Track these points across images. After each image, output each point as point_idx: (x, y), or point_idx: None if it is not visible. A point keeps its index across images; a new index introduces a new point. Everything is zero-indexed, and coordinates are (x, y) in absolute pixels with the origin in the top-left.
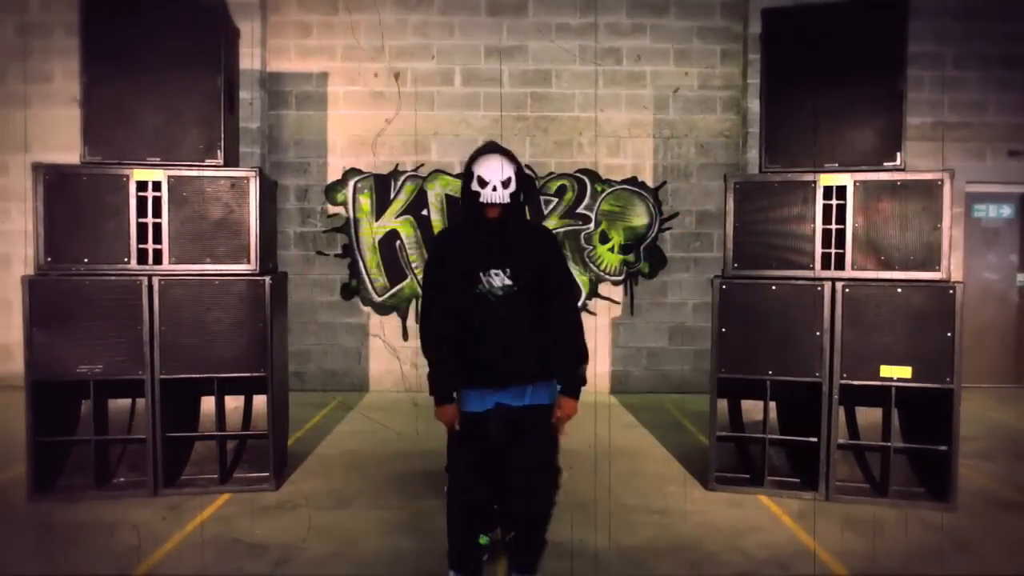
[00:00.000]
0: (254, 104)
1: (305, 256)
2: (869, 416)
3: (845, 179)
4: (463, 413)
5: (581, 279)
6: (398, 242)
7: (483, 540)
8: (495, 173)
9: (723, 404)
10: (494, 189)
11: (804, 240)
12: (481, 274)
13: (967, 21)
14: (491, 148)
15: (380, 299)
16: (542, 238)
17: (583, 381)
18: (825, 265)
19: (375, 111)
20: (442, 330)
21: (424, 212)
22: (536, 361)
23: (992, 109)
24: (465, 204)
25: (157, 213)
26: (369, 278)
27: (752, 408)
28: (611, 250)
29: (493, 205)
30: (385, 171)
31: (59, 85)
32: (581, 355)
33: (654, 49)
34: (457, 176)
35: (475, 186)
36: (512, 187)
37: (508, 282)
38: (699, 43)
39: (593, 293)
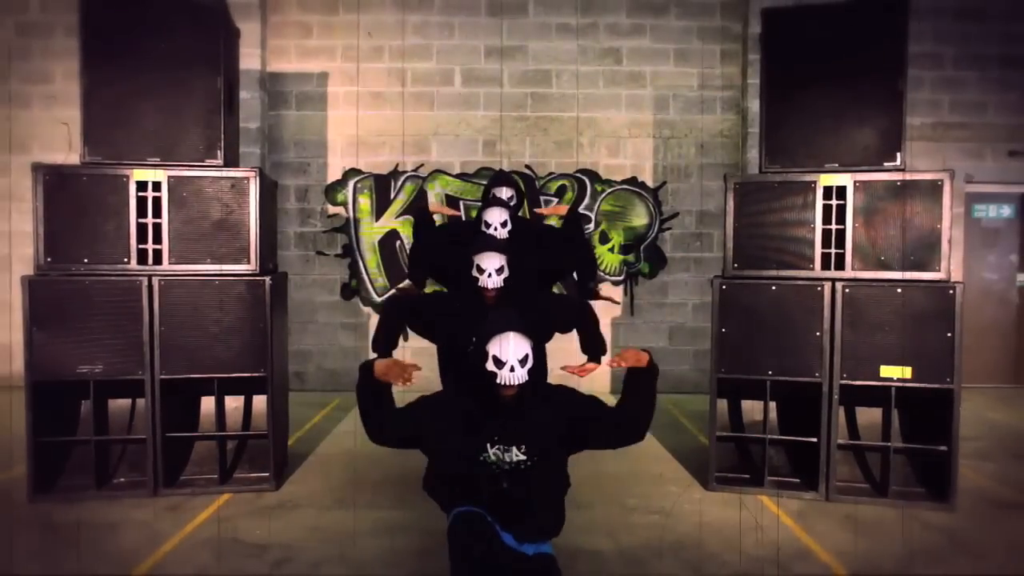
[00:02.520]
0: (254, 104)
1: (305, 256)
2: (869, 416)
3: (845, 179)
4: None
5: None
6: (398, 242)
7: None
8: (511, 352)
9: (723, 404)
10: (511, 370)
11: (804, 240)
12: (488, 445)
13: (967, 22)
14: (503, 326)
15: (380, 299)
16: (562, 403)
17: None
18: (825, 265)
19: (375, 111)
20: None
21: None
22: (550, 524)
23: (992, 109)
24: (477, 376)
25: (157, 213)
26: (369, 278)
27: (752, 408)
28: (611, 250)
29: (510, 386)
30: (385, 171)
31: (59, 86)
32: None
33: (654, 49)
34: (457, 176)
35: (491, 366)
36: (530, 363)
37: (521, 457)
38: (699, 43)
39: None
